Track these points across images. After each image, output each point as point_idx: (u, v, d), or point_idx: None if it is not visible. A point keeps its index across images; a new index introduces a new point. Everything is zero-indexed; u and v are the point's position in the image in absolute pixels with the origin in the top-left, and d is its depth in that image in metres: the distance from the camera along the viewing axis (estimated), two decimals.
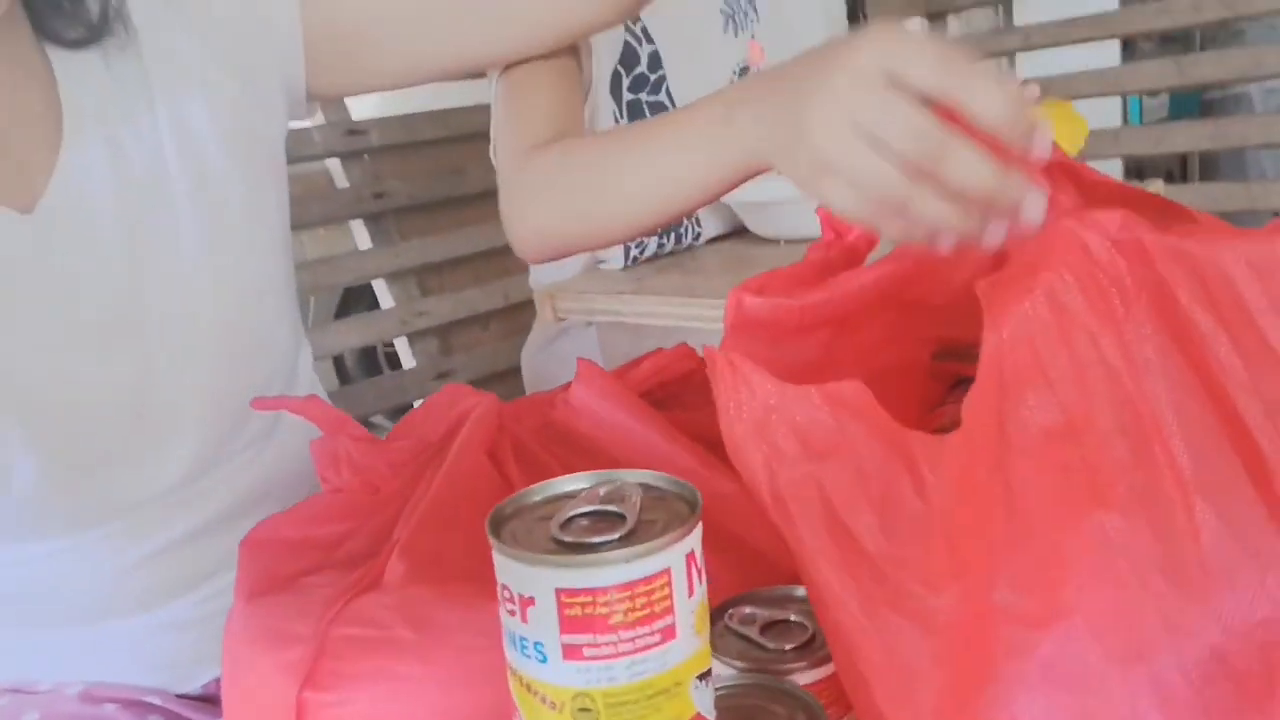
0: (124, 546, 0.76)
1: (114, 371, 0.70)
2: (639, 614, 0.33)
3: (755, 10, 1.19)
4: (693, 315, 0.82)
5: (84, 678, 0.77)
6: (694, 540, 0.35)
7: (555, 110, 0.83)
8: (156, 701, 0.78)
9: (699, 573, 0.35)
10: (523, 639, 0.34)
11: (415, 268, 1.56)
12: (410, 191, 1.55)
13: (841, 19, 1.43)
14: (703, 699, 0.36)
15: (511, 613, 0.34)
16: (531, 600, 0.33)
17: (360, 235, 1.56)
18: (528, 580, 0.33)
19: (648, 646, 0.33)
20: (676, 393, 0.72)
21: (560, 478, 0.38)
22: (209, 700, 0.81)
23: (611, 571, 0.33)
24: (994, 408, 0.35)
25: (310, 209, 1.49)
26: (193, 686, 0.81)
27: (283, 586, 0.55)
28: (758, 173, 0.60)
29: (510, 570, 0.34)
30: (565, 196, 0.75)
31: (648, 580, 0.33)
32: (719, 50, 1.14)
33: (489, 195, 1.60)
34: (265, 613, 0.53)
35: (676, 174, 0.64)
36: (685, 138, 0.63)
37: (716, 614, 0.52)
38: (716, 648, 0.49)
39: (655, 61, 1.05)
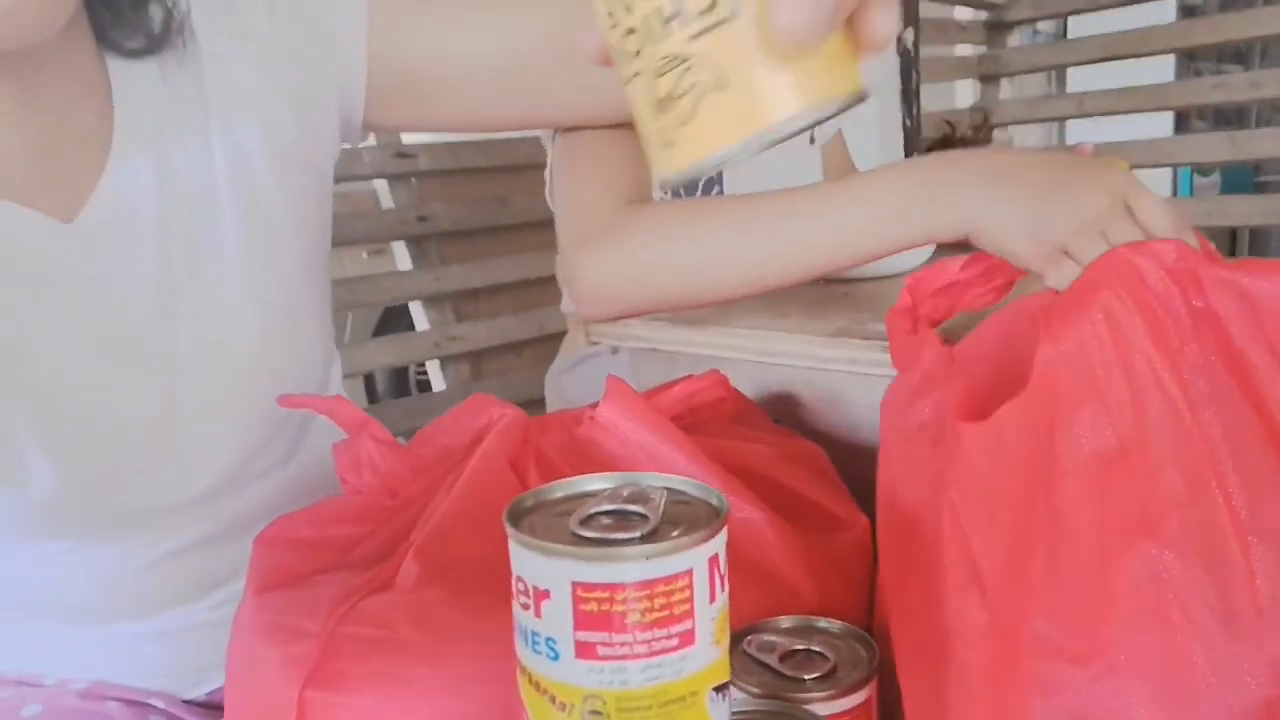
0: (136, 551, 0.75)
1: (142, 385, 0.70)
2: (657, 615, 0.32)
3: None
4: (727, 344, 0.81)
5: (89, 676, 0.77)
6: (718, 544, 0.33)
7: (632, 171, 0.82)
8: (160, 705, 0.77)
9: (722, 580, 0.34)
10: (535, 634, 0.32)
11: (452, 292, 1.57)
12: (453, 217, 1.56)
13: (894, 82, 1.43)
14: (719, 713, 0.34)
15: (525, 606, 0.33)
16: (547, 593, 0.32)
17: (401, 256, 1.57)
18: (544, 572, 0.32)
19: (664, 650, 0.32)
20: (706, 419, 0.71)
21: (583, 476, 0.37)
22: (213, 708, 0.80)
23: (632, 568, 0.31)
24: (1044, 423, 0.34)
25: (354, 227, 1.50)
26: (198, 693, 0.80)
27: (294, 583, 0.54)
28: (936, 241, 0.71)
29: (526, 561, 0.32)
30: (666, 262, 0.78)
31: (668, 580, 0.32)
32: None
33: (530, 225, 1.63)
34: (274, 607, 0.52)
35: (841, 243, 0.73)
36: (867, 213, 0.71)
37: (735, 639, 0.50)
38: (735, 676, 0.47)
39: None
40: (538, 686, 0.33)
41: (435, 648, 0.47)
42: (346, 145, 0.81)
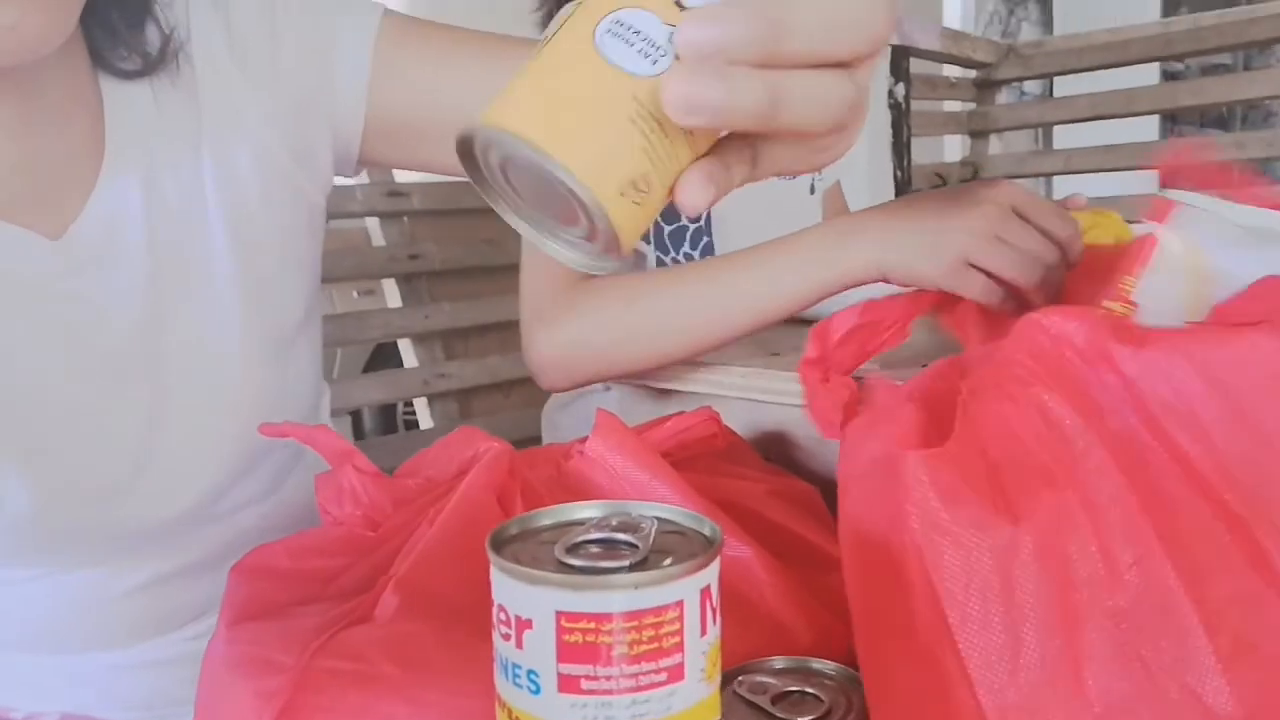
0: (113, 579, 0.73)
1: (125, 406, 0.69)
2: (645, 648, 0.30)
3: None
4: (720, 382, 0.80)
5: (60, 708, 0.75)
6: (711, 575, 0.32)
7: None
8: None
9: (714, 613, 0.32)
10: (516, 666, 0.31)
11: (442, 330, 1.56)
12: (444, 256, 1.55)
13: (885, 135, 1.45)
14: None
15: (506, 637, 0.31)
16: (529, 623, 0.30)
17: (391, 294, 1.57)
18: (527, 601, 0.30)
19: (652, 685, 0.30)
20: (696, 455, 0.70)
21: (571, 504, 0.36)
22: None
23: (619, 597, 0.30)
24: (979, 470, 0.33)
25: (344, 263, 1.49)
26: None
27: (269, 614, 0.52)
28: (860, 283, 0.77)
29: (508, 589, 0.31)
30: (612, 333, 0.85)
31: (658, 611, 0.30)
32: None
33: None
34: (248, 639, 0.50)
35: (776, 291, 0.79)
36: (792, 261, 0.78)
37: (726, 680, 0.48)
38: (724, 714, 0.46)
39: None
40: None
41: (413, 682, 0.45)
42: (342, 178, 0.81)
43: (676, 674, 0.31)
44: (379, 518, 0.59)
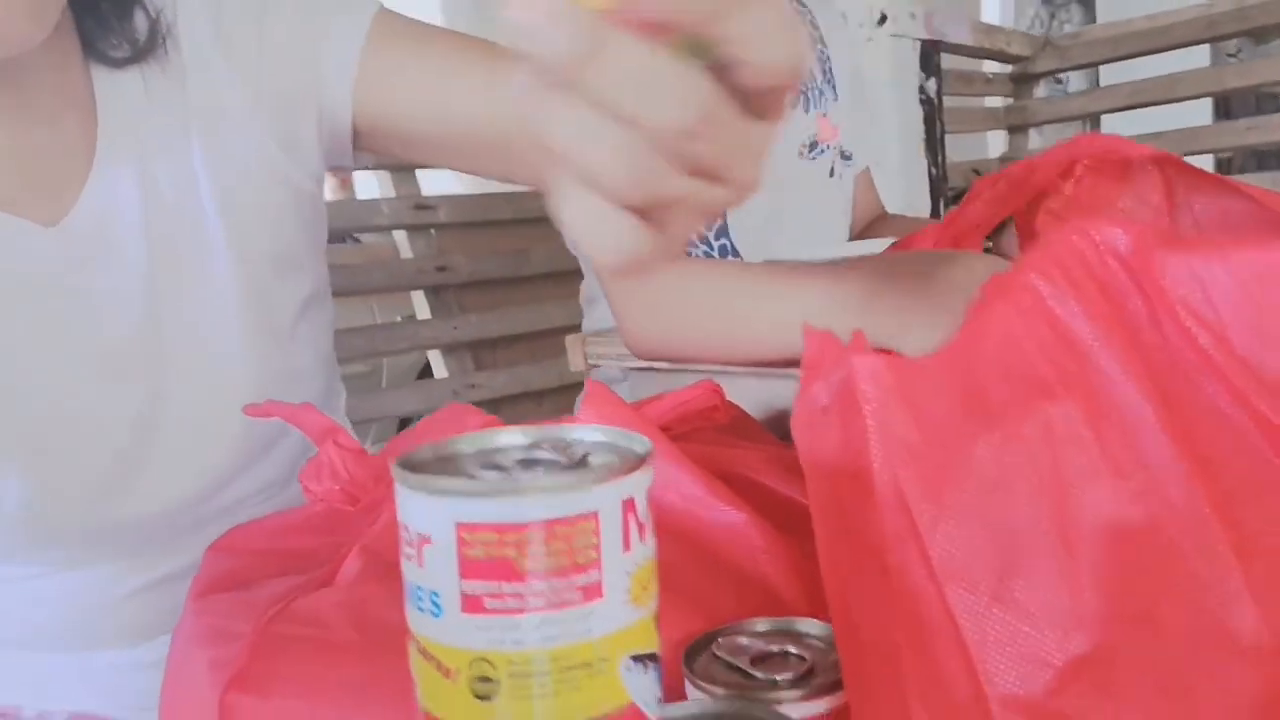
0: (116, 578, 0.73)
1: (122, 397, 0.68)
2: (554, 561, 0.27)
3: (834, 91, 1.18)
4: (728, 364, 0.78)
5: (68, 707, 0.74)
6: (634, 487, 0.29)
7: None
8: None
9: (641, 529, 0.29)
10: (419, 589, 0.28)
11: (470, 341, 1.55)
12: (472, 268, 1.55)
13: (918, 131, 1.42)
14: (641, 687, 0.30)
15: (409, 558, 0.29)
16: (428, 538, 0.28)
17: (420, 306, 1.57)
18: (426, 514, 0.28)
19: (564, 604, 0.28)
20: (698, 428, 0.67)
21: (498, 429, 0.33)
22: None
23: (524, 504, 0.27)
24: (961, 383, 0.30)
25: (372, 277, 1.50)
26: None
27: (236, 587, 0.51)
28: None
29: (409, 505, 0.29)
30: (694, 319, 0.81)
31: (568, 521, 0.27)
32: (784, 127, 1.13)
33: (549, 276, 1.61)
34: (209, 609, 0.48)
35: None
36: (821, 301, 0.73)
37: (704, 642, 0.46)
38: (697, 675, 0.43)
39: None
40: (424, 652, 0.29)
41: (372, 646, 0.43)
42: (343, 167, 0.80)
43: (593, 592, 0.28)
44: (359, 493, 0.57)
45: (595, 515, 0.28)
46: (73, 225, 0.66)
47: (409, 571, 0.29)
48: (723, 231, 1.04)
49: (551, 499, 0.27)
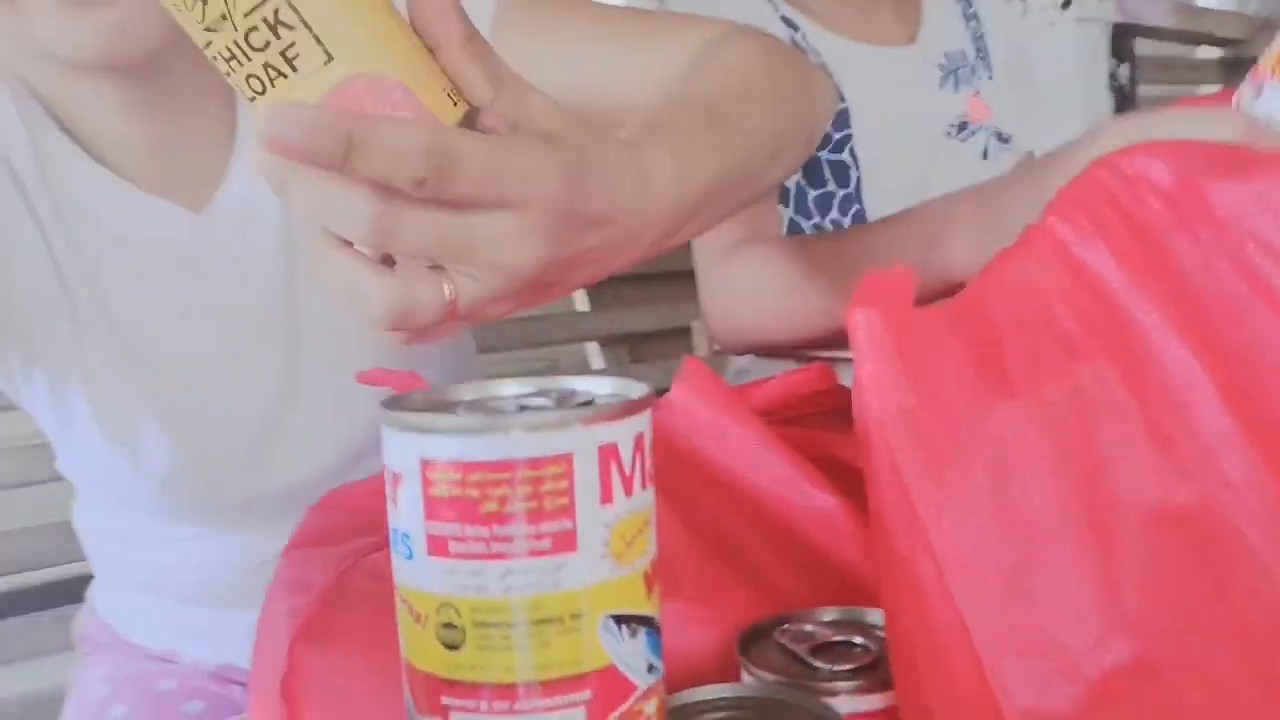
0: (260, 543, 0.76)
1: (261, 372, 0.72)
2: (521, 505, 0.26)
3: (988, 67, 1.11)
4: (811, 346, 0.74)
5: (217, 658, 0.80)
6: (621, 434, 0.27)
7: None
8: None
9: (627, 482, 0.27)
10: (395, 530, 0.27)
11: (627, 334, 1.55)
12: None
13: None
14: (626, 651, 0.27)
15: (390, 499, 0.28)
16: (400, 476, 0.27)
17: (580, 298, 1.58)
18: (398, 451, 0.27)
19: (533, 553, 0.26)
20: (803, 413, 0.63)
21: (506, 379, 0.32)
22: None
23: (488, 441, 0.26)
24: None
25: None
26: None
27: (326, 542, 0.52)
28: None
29: (386, 444, 0.28)
30: (782, 300, 0.81)
31: (536, 463, 0.26)
32: (929, 106, 1.06)
33: None
34: (296, 562, 0.50)
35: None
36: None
37: (766, 627, 0.43)
38: (751, 660, 0.40)
39: (843, 120, 0.98)
40: (402, 599, 0.28)
41: None
42: None
43: (565, 543, 0.26)
44: None
45: (569, 459, 0.26)
46: (217, 211, 0.70)
47: (390, 514, 0.28)
48: (855, 199, 0.99)
49: (521, 439, 0.26)
